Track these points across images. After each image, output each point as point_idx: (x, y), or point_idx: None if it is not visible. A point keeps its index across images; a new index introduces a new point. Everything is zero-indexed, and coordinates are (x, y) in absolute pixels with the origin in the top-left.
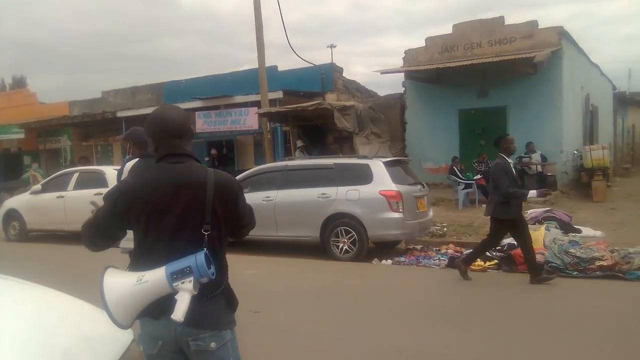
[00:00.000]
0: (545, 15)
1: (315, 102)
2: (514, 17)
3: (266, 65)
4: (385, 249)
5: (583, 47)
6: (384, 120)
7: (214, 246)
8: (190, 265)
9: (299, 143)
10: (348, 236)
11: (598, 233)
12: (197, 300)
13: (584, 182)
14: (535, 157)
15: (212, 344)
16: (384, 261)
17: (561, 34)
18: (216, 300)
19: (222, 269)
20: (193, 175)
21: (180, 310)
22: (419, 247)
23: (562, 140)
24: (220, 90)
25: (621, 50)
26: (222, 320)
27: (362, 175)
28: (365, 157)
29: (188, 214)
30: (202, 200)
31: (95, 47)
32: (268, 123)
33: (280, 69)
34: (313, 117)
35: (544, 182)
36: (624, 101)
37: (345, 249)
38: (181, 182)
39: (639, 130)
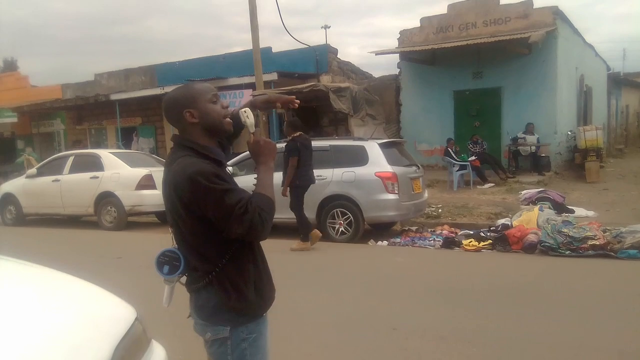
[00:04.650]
0: None
1: (310, 84)
2: None
3: (260, 46)
4: (380, 230)
5: (578, 27)
6: (379, 102)
7: (181, 244)
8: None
9: None
10: (344, 217)
11: (591, 213)
12: (189, 290)
13: (578, 162)
14: (532, 139)
15: (207, 335)
16: (379, 242)
17: (556, 13)
18: (201, 294)
19: (198, 266)
20: (168, 172)
21: (164, 297)
22: (414, 228)
23: (556, 121)
24: (213, 72)
25: (616, 30)
26: (214, 314)
27: (358, 157)
28: (360, 138)
29: (168, 212)
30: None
31: (86, 28)
32: None
33: (274, 50)
34: (308, 99)
35: (538, 163)
36: (618, 82)
37: (342, 230)
38: (164, 180)
39: (633, 111)
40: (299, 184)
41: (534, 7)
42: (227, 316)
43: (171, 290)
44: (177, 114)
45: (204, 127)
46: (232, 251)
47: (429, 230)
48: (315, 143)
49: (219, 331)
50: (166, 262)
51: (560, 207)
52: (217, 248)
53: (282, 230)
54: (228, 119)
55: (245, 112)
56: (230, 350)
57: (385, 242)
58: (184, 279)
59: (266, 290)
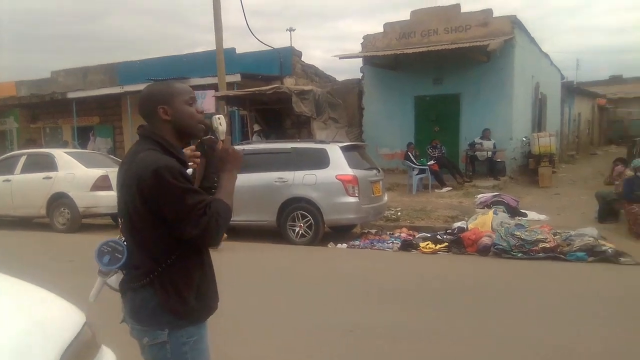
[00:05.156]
0: (500, 4)
1: (273, 86)
2: (470, 5)
3: (224, 47)
4: (340, 233)
5: (534, 36)
6: (342, 106)
7: (128, 238)
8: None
9: (256, 127)
10: (304, 220)
11: (543, 217)
12: (126, 290)
13: (532, 168)
14: (489, 144)
15: (145, 339)
16: (339, 245)
17: (514, 23)
18: (138, 294)
19: (141, 263)
20: (131, 162)
21: (92, 291)
22: (373, 231)
23: (512, 127)
24: (176, 71)
25: (570, 41)
26: (152, 317)
27: (319, 160)
28: (322, 141)
29: (121, 203)
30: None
31: (43, 25)
32: (225, 106)
33: (238, 51)
34: (271, 101)
35: (494, 168)
36: (572, 90)
37: (302, 233)
38: (123, 170)
39: (585, 119)
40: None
41: (494, 16)
42: (165, 319)
43: (102, 285)
44: (150, 108)
45: (175, 126)
46: (180, 253)
47: (388, 233)
48: (277, 145)
49: (157, 335)
50: (108, 252)
51: (513, 211)
52: (165, 247)
53: (247, 233)
54: (202, 126)
55: (219, 118)
56: (170, 354)
57: (344, 245)
58: (113, 281)
59: (210, 298)
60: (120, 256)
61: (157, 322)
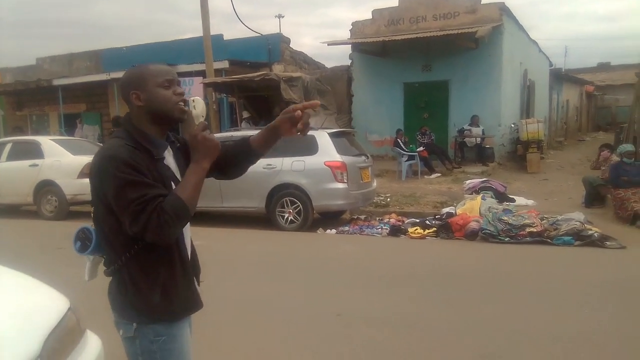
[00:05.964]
0: None
1: (261, 73)
2: None
3: (211, 33)
4: (329, 218)
5: (523, 23)
6: (331, 92)
7: (96, 224)
8: None
9: (245, 114)
10: (293, 206)
11: (530, 202)
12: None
13: (520, 154)
14: (477, 131)
15: (120, 331)
16: (328, 231)
17: (502, 9)
18: (113, 281)
19: (106, 252)
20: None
21: (85, 272)
22: (362, 216)
23: (500, 113)
24: (162, 58)
25: (559, 28)
26: (124, 308)
27: (308, 146)
28: (310, 128)
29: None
30: None
31: (27, 11)
32: (214, 93)
33: (225, 37)
34: (259, 88)
35: (483, 154)
36: (560, 77)
37: (291, 219)
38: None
39: (572, 105)
40: None
41: (482, 2)
42: (131, 312)
43: (91, 265)
44: (126, 95)
45: (149, 112)
46: (142, 246)
47: (377, 218)
48: None
49: (127, 329)
50: (81, 239)
51: (501, 196)
52: (123, 239)
53: (236, 219)
54: (180, 107)
55: (193, 101)
56: (140, 350)
57: (333, 231)
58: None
59: (181, 298)
60: (89, 243)
61: (126, 315)
